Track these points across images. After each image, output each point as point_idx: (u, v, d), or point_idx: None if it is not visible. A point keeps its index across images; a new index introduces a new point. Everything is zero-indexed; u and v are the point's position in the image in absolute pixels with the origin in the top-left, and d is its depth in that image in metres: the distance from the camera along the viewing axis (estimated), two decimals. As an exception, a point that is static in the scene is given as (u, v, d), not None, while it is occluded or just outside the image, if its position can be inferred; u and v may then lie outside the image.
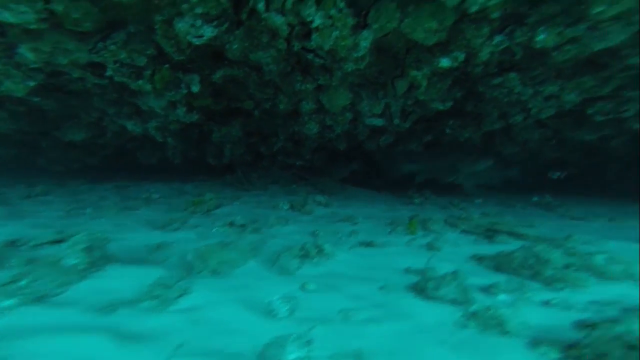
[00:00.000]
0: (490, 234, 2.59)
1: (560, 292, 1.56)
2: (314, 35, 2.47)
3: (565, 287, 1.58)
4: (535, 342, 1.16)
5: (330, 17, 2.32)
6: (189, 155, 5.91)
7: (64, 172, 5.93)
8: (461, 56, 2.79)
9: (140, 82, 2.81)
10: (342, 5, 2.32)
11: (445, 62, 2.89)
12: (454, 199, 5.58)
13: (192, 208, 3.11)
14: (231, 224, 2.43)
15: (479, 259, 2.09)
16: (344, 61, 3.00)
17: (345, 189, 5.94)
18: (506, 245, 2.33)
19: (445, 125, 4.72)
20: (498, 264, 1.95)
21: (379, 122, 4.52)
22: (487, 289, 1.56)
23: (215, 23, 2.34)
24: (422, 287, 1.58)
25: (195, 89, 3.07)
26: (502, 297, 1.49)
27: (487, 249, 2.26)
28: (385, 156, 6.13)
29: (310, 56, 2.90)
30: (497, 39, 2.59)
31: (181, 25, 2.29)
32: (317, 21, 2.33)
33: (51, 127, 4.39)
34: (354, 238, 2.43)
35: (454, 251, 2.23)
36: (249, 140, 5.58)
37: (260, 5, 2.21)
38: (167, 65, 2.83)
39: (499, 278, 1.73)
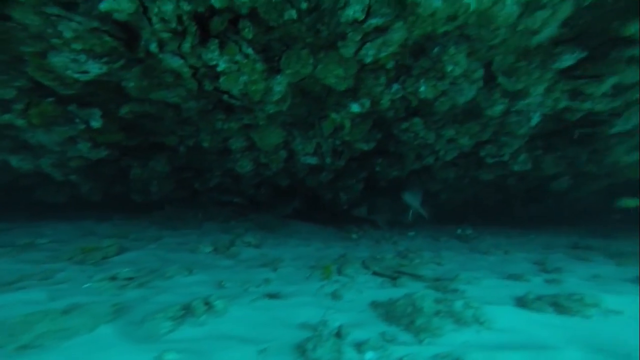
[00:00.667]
0: (396, 275, 2.65)
1: (420, 344, 1.58)
2: (222, 79, 2.48)
3: (427, 337, 1.61)
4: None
5: (236, 62, 2.36)
6: (111, 191, 5.35)
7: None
8: (367, 102, 3.02)
9: (7, 116, 2.50)
10: (249, 51, 2.39)
11: (355, 108, 3.10)
12: (392, 231, 5.82)
13: (81, 256, 2.68)
14: (113, 278, 2.12)
15: (376, 306, 2.07)
16: (263, 103, 3.06)
17: (287, 225, 5.83)
18: (405, 289, 2.38)
19: (375, 163, 5.00)
20: (387, 312, 1.95)
21: (312, 160, 4.60)
22: (360, 345, 1.51)
23: (105, 60, 2.22)
24: (304, 348, 1.48)
25: (95, 124, 2.83)
26: (369, 355, 1.44)
27: (387, 293, 2.26)
28: (327, 192, 6.20)
29: (225, 97, 2.90)
30: (395, 87, 2.86)
31: (58, 60, 2.13)
32: (222, 65, 2.35)
33: None
34: (263, 288, 2.27)
35: (355, 299, 2.19)
36: (180, 176, 5.28)
37: (153, 47, 2.17)
38: (50, 99, 2.59)
39: (381, 329, 1.72)
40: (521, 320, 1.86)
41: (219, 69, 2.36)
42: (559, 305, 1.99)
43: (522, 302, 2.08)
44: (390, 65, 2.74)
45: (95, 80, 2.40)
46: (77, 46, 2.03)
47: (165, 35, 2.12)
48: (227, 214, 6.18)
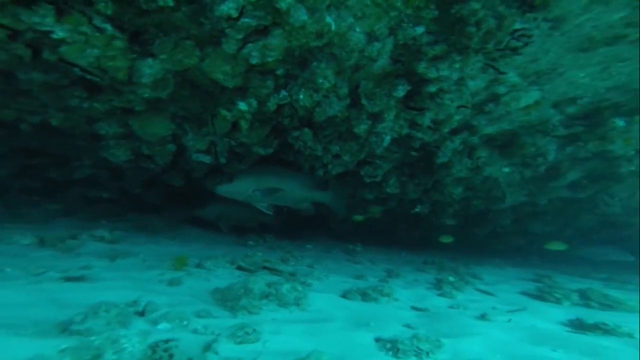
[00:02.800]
0: (257, 269, 2.65)
1: (232, 319, 1.60)
2: (63, 48, 2.21)
3: (242, 314, 1.66)
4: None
5: (83, 33, 2.16)
6: None
7: None
8: (254, 103, 3.12)
9: None
10: (105, 26, 2.22)
11: (242, 106, 3.16)
12: (290, 244, 5.89)
13: None
14: None
15: (216, 292, 2.00)
16: (135, 85, 2.83)
17: (177, 229, 5.24)
18: (258, 278, 2.40)
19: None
20: (223, 296, 1.91)
21: (206, 159, 4.35)
22: (158, 319, 1.40)
23: None
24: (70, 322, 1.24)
25: None
26: (162, 325, 1.35)
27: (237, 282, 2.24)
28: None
29: (76, 71, 2.57)
30: (282, 93, 3.07)
31: None
32: (61, 34, 2.11)
33: None
34: (70, 273, 1.93)
35: (197, 286, 2.09)
36: (27, 162, 4.25)
37: None
38: None
39: (201, 308, 1.65)
40: (331, 305, 2.14)
41: (55, 36, 2.11)
42: (366, 295, 2.41)
43: (344, 293, 2.45)
44: (280, 71, 2.95)
45: None
46: None
47: None
48: (99, 211, 5.22)
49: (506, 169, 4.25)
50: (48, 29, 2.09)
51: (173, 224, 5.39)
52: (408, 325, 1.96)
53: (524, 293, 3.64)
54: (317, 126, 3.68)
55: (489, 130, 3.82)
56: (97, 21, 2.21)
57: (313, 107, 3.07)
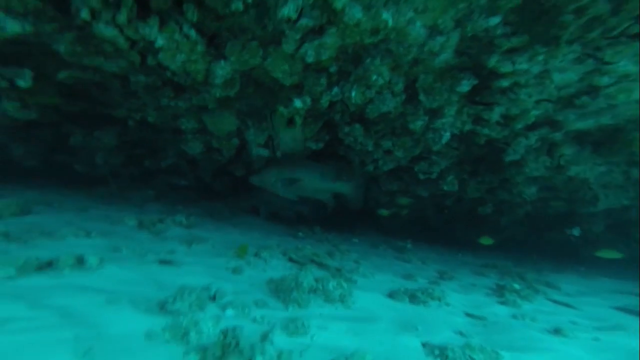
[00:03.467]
0: (306, 262, 2.82)
1: (284, 310, 1.75)
2: (160, 55, 2.56)
3: (293, 307, 1.79)
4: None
5: (175, 40, 2.46)
6: (51, 159, 5.10)
7: None
8: (308, 100, 3.22)
9: None
10: (191, 32, 2.50)
11: (298, 103, 3.29)
12: (337, 237, 6.04)
13: None
14: None
15: (270, 282, 2.21)
16: (209, 85, 3.16)
17: (238, 216, 5.83)
18: (307, 272, 2.55)
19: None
20: (277, 287, 2.10)
21: (264, 152, 4.69)
22: (226, 305, 1.63)
23: (29, 19, 2.22)
24: (165, 302, 1.55)
25: (23, 83, 2.76)
26: (229, 312, 1.57)
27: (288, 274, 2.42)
28: None
29: (168, 74, 2.97)
30: (335, 90, 3.09)
31: None
32: (160, 42, 2.43)
33: None
34: (162, 256, 2.29)
35: (255, 275, 2.32)
36: (132, 152, 5.15)
37: (84, 14, 2.21)
38: None
39: (258, 297, 1.85)
40: (376, 304, 2.14)
41: (156, 44, 2.44)
42: (414, 297, 2.33)
43: (391, 293, 2.40)
44: (333, 69, 2.97)
45: (22, 39, 2.37)
46: None
47: (96, 4, 2.18)
48: (177, 197, 6.08)
49: (601, 168, 3.55)
50: (153, 38, 2.44)
51: (235, 211, 5.98)
52: (460, 333, 1.87)
53: (621, 309, 3.09)
54: (369, 122, 3.62)
55: (579, 125, 3.22)
56: (186, 28, 2.49)
57: (365, 103, 3.02)
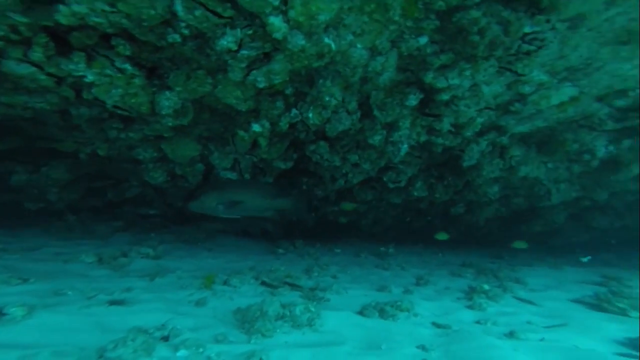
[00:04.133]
0: (279, 285, 2.78)
1: (246, 343, 1.70)
2: (94, 89, 2.51)
3: (256, 338, 1.75)
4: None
5: (107, 75, 2.43)
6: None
7: None
8: (267, 124, 3.25)
9: None
10: (125, 66, 2.47)
11: (256, 127, 3.31)
12: (321, 249, 6.01)
13: None
14: None
15: (237, 312, 2.14)
16: (158, 116, 3.11)
17: (214, 239, 5.68)
18: (278, 297, 2.51)
19: (302, 182, 5.21)
20: (243, 317, 2.04)
21: (232, 175, 4.64)
22: (178, 345, 1.57)
23: None
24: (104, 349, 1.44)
25: None
26: (181, 353, 1.51)
27: (258, 301, 2.36)
28: None
29: (108, 107, 2.90)
30: (294, 112, 3.15)
31: None
32: (91, 77, 2.39)
33: None
34: (115, 296, 2.16)
35: (221, 306, 2.23)
36: (90, 184, 4.94)
37: None
38: None
39: (220, 331, 1.80)
40: (345, 323, 2.10)
41: (87, 79, 2.41)
42: (383, 311, 2.31)
43: (362, 309, 2.38)
44: (289, 90, 3.03)
45: None
46: None
47: None
48: (148, 225, 5.85)
49: (549, 165, 3.82)
50: (81, 73, 2.39)
51: (211, 234, 5.83)
52: (422, 347, 1.88)
53: (578, 301, 3.17)
54: (332, 138, 3.70)
55: (521, 129, 3.48)
56: (118, 62, 2.47)
57: (323, 123, 3.10)
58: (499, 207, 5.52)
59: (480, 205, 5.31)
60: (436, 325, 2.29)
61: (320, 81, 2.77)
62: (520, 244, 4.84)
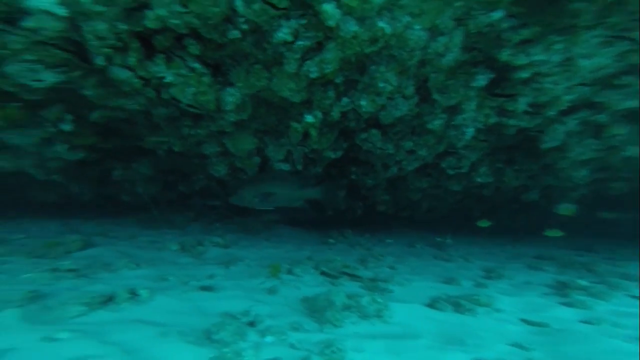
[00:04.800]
0: (338, 275, 2.82)
1: (320, 332, 1.76)
2: (171, 89, 2.76)
3: (328, 327, 1.79)
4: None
5: (183, 75, 2.64)
6: (102, 193, 5.72)
7: None
8: (319, 114, 3.25)
9: None
10: (195, 65, 2.66)
11: (309, 118, 3.34)
12: (371, 239, 5.97)
13: (43, 251, 2.85)
14: (55, 269, 2.31)
15: (305, 300, 2.25)
16: (223, 112, 3.34)
17: (271, 229, 6.05)
18: (339, 288, 2.56)
19: (351, 171, 5.18)
20: (310, 306, 2.14)
21: (285, 167, 4.83)
22: (264, 331, 1.71)
23: (60, 69, 2.49)
24: (209, 332, 1.66)
25: (66, 127, 3.14)
26: (268, 338, 1.64)
27: (322, 290, 2.44)
28: None
29: (182, 105, 3.18)
30: (344, 100, 3.08)
31: (12, 69, 2.39)
32: (169, 77, 2.63)
33: None
34: (203, 282, 2.43)
35: (290, 294, 2.35)
36: (166, 178, 5.60)
37: (100, 60, 2.45)
38: (15, 104, 2.88)
39: (294, 319, 1.90)
40: (416, 316, 2.03)
41: (166, 80, 2.64)
42: (458, 305, 2.16)
43: (431, 302, 2.26)
44: (339, 80, 2.97)
45: (58, 87, 2.67)
46: (29, 57, 2.30)
47: (107, 50, 2.40)
48: (214, 216, 6.46)
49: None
50: (162, 75, 2.66)
51: (268, 225, 6.20)
52: (518, 345, 1.70)
53: None
54: (385, 125, 3.55)
55: (629, 104, 2.84)
56: (190, 62, 2.69)
57: (377, 110, 2.97)
58: (585, 193, 4.74)
59: (562, 191, 4.62)
60: (527, 322, 2.06)
61: (373, 67, 2.64)
62: (554, 232, 4.15)
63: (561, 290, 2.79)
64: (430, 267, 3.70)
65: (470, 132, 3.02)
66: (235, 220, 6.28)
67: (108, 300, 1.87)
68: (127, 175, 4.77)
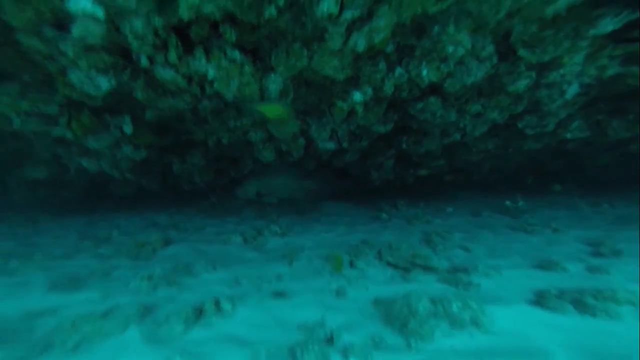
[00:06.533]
0: (408, 266, 2.63)
1: (407, 349, 1.61)
2: (215, 84, 2.58)
3: (416, 341, 1.63)
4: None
5: (224, 68, 2.42)
6: (166, 183, 6.22)
7: (37, 207, 6.41)
8: (369, 90, 2.83)
9: (57, 129, 3.02)
10: (235, 55, 2.41)
11: (357, 96, 2.95)
12: (426, 208, 5.59)
13: (136, 251, 3.26)
14: (150, 277, 2.55)
15: (377, 304, 2.13)
16: (267, 100, 3.12)
17: (318, 207, 6.06)
18: (413, 284, 2.38)
19: (401, 141, 4.75)
20: (386, 311, 2.00)
21: (331, 145, 4.63)
22: (346, 350, 1.63)
23: (111, 73, 2.47)
24: (294, 352, 1.63)
25: (127, 129, 3.25)
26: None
27: (393, 290, 2.30)
28: (357, 170, 6.21)
29: (228, 99, 3.03)
30: (398, 71, 2.61)
31: (75, 76, 2.41)
32: (211, 72, 2.44)
33: (11, 165, 4.79)
34: (273, 285, 2.47)
35: (359, 297, 2.25)
36: (218, 166, 5.82)
37: (144, 61, 2.34)
38: (85, 112, 3.01)
39: (373, 331, 1.80)
40: (527, 322, 1.68)
41: (209, 76, 2.46)
42: (582, 304, 1.71)
43: (539, 299, 1.86)
44: (389, 49, 2.48)
45: (113, 92, 2.70)
46: (82, 63, 2.28)
47: (148, 49, 2.26)
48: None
49: None
50: (204, 70, 2.50)
51: (315, 202, 6.17)
52: None
53: None
54: (443, 92, 2.98)
55: None
56: (229, 51, 2.46)
57: (443, 79, 2.44)
58: None
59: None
60: None
61: (436, 28, 2.09)
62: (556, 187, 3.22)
63: None
64: (512, 244, 3.23)
65: (573, 88, 2.35)
66: (283, 201, 6.39)
67: (199, 314, 1.97)
68: (185, 167, 5.04)
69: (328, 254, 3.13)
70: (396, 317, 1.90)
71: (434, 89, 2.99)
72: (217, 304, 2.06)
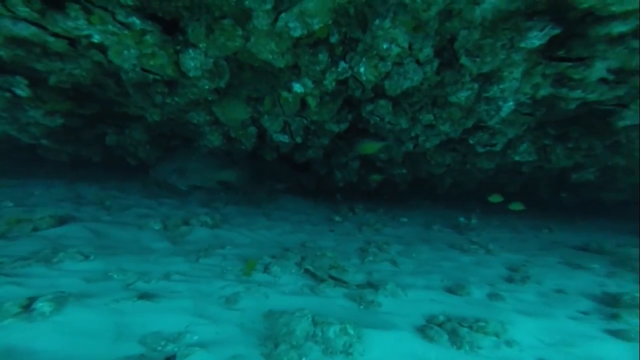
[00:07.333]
0: (325, 277, 2.43)
1: None
2: (108, 53, 2.19)
3: None
4: None
5: (113, 33, 2.03)
6: (112, 154, 5.69)
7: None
8: (309, 83, 2.56)
9: None
10: (131, 20, 2.02)
11: (297, 88, 2.67)
12: (384, 216, 5.46)
13: (5, 227, 2.55)
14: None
15: (269, 317, 1.91)
16: (195, 79, 2.77)
17: (276, 200, 5.80)
18: (319, 298, 2.19)
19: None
20: (271, 328, 1.79)
21: (284, 138, 4.32)
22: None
23: None
24: None
25: (22, 92, 2.78)
26: None
27: (296, 302, 2.09)
28: (322, 168, 5.96)
29: (128, 70, 2.63)
30: (342, 65, 2.34)
31: None
32: (97, 37, 2.04)
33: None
34: (152, 284, 2.08)
35: (252, 306, 1.99)
36: (168, 144, 5.38)
37: None
38: None
39: (238, 352, 1.57)
40: (399, 352, 1.61)
41: (94, 40, 2.06)
42: (456, 334, 1.69)
43: (424, 326, 1.81)
44: (334, 39, 2.20)
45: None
46: None
47: None
48: (215, 186, 6.30)
49: None
50: (86, 32, 2.06)
51: (274, 195, 5.89)
52: None
53: None
54: (396, 96, 2.76)
55: None
56: (121, 15, 2.04)
57: (381, 79, 2.20)
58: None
59: (625, 172, 3.62)
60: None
61: (377, 22, 1.83)
62: (516, 206, 3.66)
63: (610, 306, 2.09)
64: (441, 262, 3.16)
65: (508, 106, 2.18)
66: (240, 189, 6.06)
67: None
68: (120, 140, 4.58)
69: (248, 255, 2.87)
70: (274, 336, 1.69)
71: (383, 91, 2.76)
72: (30, 303, 1.62)
